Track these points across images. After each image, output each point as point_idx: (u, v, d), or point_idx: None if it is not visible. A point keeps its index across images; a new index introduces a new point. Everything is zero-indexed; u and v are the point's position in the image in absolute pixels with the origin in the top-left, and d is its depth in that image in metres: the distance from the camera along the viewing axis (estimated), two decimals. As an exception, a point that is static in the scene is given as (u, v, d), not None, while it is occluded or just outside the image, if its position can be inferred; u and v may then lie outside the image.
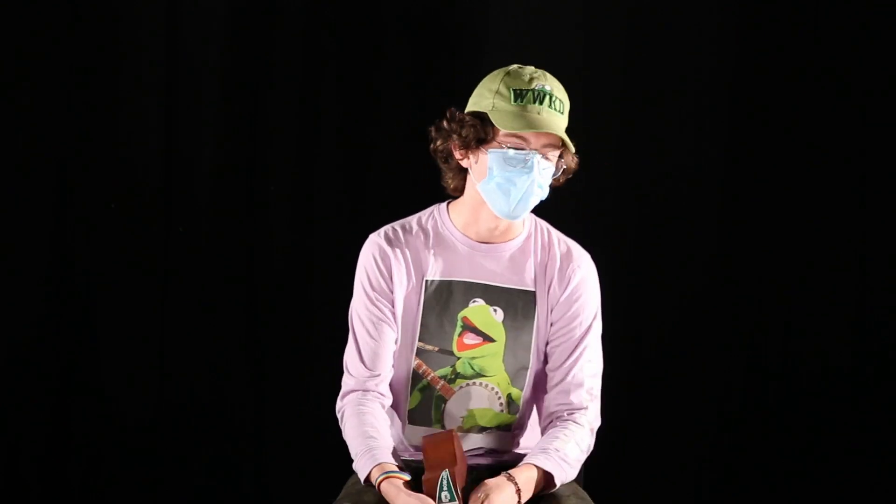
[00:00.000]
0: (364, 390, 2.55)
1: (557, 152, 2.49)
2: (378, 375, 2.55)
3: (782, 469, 3.70)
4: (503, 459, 2.60)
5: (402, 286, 2.55)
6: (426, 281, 2.55)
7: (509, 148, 2.45)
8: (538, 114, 2.45)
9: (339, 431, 2.63)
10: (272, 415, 3.69)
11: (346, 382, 2.58)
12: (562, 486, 2.50)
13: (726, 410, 3.72)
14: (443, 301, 2.55)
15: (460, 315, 2.55)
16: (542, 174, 2.47)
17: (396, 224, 2.60)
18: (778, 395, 3.71)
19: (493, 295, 2.55)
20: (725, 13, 3.63)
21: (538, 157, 2.46)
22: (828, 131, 3.63)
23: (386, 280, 2.55)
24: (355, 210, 3.62)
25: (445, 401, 2.57)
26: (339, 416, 2.59)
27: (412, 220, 2.61)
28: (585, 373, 2.57)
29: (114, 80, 3.57)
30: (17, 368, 3.59)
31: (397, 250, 2.56)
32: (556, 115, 2.47)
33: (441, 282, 2.55)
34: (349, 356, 2.58)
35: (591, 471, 2.69)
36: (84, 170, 3.58)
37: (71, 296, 3.60)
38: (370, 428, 2.51)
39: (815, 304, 3.68)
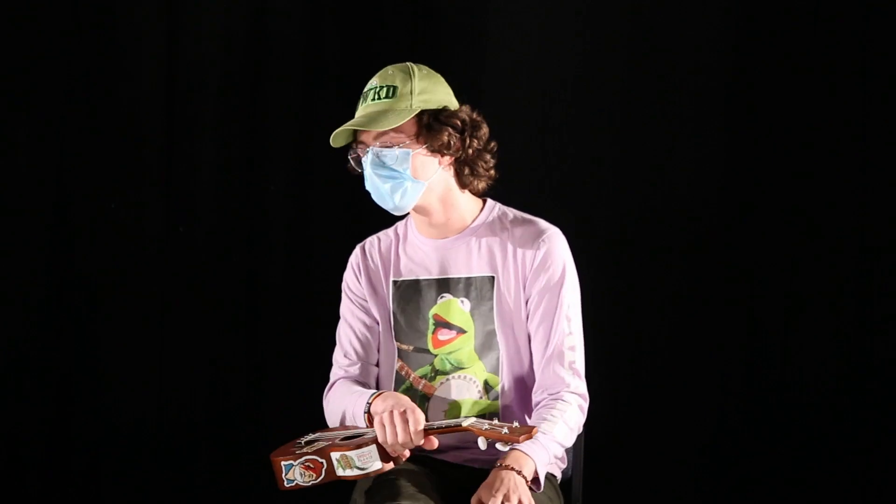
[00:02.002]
0: (344, 378, 2.62)
1: (397, 136, 2.54)
2: (357, 364, 2.62)
3: (781, 471, 3.70)
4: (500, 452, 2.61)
5: (378, 289, 2.63)
6: (393, 282, 2.62)
7: (353, 157, 2.59)
8: (359, 115, 2.57)
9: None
10: (272, 415, 3.69)
11: (335, 367, 2.66)
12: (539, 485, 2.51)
13: (725, 412, 3.72)
14: (412, 300, 2.60)
15: (431, 312, 2.59)
16: (379, 167, 2.54)
17: (380, 232, 2.69)
18: (777, 397, 3.71)
19: (458, 287, 2.59)
20: (725, 13, 3.63)
21: (373, 151, 2.54)
22: (828, 132, 3.63)
23: (360, 285, 2.63)
24: (355, 210, 3.62)
25: (429, 398, 2.59)
26: (325, 400, 2.65)
27: (391, 227, 2.70)
28: (565, 345, 2.58)
29: (114, 79, 3.57)
30: (17, 368, 3.59)
31: (372, 256, 2.65)
32: (377, 103, 2.56)
33: (409, 281, 2.61)
34: (335, 354, 2.67)
35: (591, 473, 2.69)
36: (84, 170, 3.58)
37: (71, 295, 3.60)
38: (355, 390, 2.57)
39: (814, 306, 3.68)
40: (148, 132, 3.60)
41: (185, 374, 3.66)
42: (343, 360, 2.63)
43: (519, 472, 2.41)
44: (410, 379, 2.61)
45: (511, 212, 2.66)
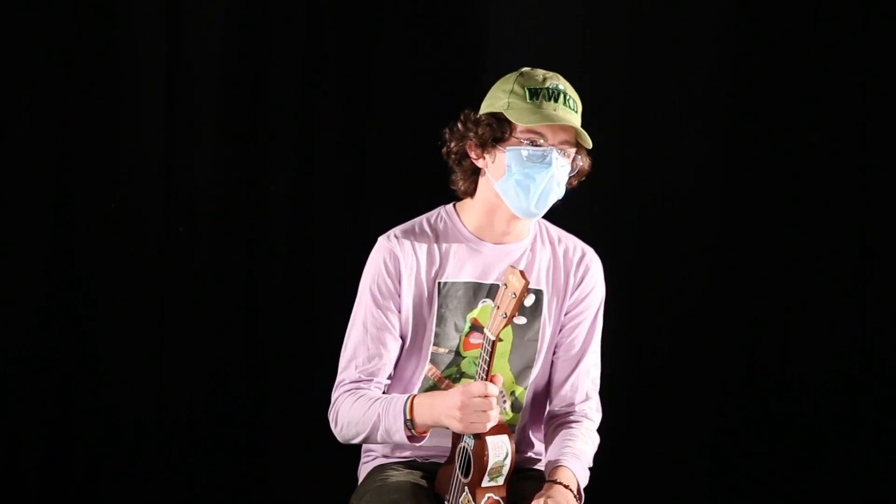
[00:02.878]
0: (358, 388, 2.54)
1: (573, 150, 2.52)
2: (372, 381, 2.54)
3: (781, 471, 3.70)
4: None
5: (411, 288, 2.54)
6: (439, 283, 2.55)
7: (527, 144, 2.47)
8: (554, 110, 2.47)
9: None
10: (272, 415, 3.69)
11: (342, 378, 2.56)
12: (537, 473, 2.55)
13: (725, 412, 3.72)
14: (454, 302, 2.55)
15: (469, 316, 2.55)
16: (560, 170, 2.49)
17: (406, 225, 2.59)
18: (777, 397, 3.71)
19: None
20: (726, 13, 3.63)
21: (556, 152, 2.47)
22: (828, 132, 3.63)
23: (395, 284, 2.54)
24: (355, 210, 3.62)
25: None
26: (332, 413, 2.55)
27: (421, 221, 2.61)
28: (591, 363, 2.61)
29: (114, 80, 3.57)
30: (17, 368, 3.58)
31: (408, 253, 2.54)
32: (571, 112, 2.49)
33: (453, 283, 2.55)
34: (347, 357, 2.56)
35: (591, 473, 2.69)
36: (84, 170, 3.58)
37: (71, 296, 3.60)
38: (377, 398, 2.50)
39: (814, 306, 3.68)
40: (148, 132, 3.60)
41: (185, 374, 3.66)
42: (356, 375, 2.53)
43: (574, 495, 2.45)
44: (435, 379, 2.58)
45: (550, 225, 2.66)
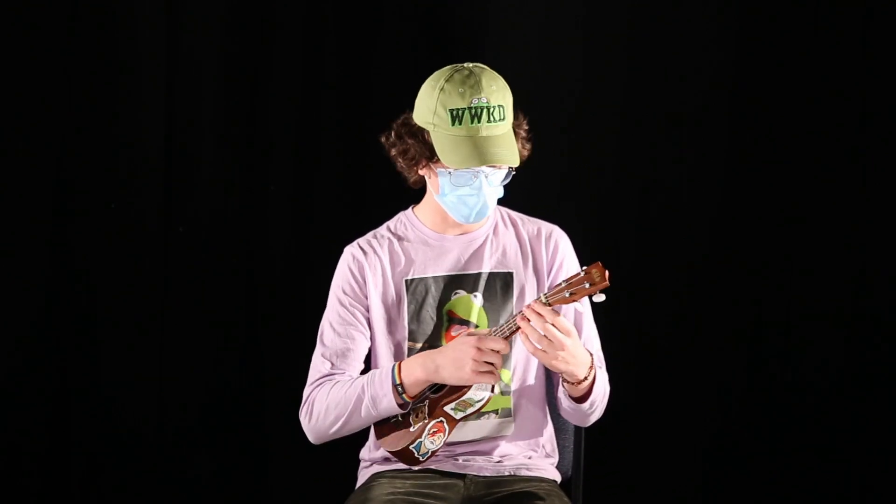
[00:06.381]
0: (332, 378, 2.57)
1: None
2: (345, 374, 2.56)
3: (782, 471, 3.70)
4: (505, 455, 2.59)
5: (378, 290, 2.58)
6: (406, 281, 2.58)
7: (455, 170, 2.48)
8: (478, 134, 2.45)
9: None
10: (272, 415, 3.69)
11: (312, 375, 2.60)
12: (543, 486, 2.52)
13: (725, 413, 3.72)
14: (426, 298, 2.57)
15: (445, 309, 2.58)
16: (491, 184, 2.50)
17: (369, 234, 2.64)
18: (778, 398, 3.71)
19: (472, 282, 2.58)
20: (726, 12, 3.63)
21: (486, 171, 2.48)
22: (829, 133, 3.63)
23: (360, 286, 2.58)
24: (355, 209, 3.62)
25: None
26: (304, 409, 2.58)
27: (381, 228, 2.65)
28: (594, 347, 2.60)
29: (114, 79, 3.57)
30: (17, 368, 3.59)
31: (372, 258, 2.59)
32: (496, 126, 2.47)
33: (421, 279, 2.58)
34: (318, 355, 2.60)
35: (591, 473, 2.69)
36: (84, 170, 3.58)
37: (71, 296, 3.60)
38: (357, 377, 2.54)
39: (815, 306, 3.68)
40: (148, 132, 3.60)
41: (185, 375, 3.66)
42: (328, 367, 2.57)
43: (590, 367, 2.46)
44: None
45: (510, 211, 2.67)
